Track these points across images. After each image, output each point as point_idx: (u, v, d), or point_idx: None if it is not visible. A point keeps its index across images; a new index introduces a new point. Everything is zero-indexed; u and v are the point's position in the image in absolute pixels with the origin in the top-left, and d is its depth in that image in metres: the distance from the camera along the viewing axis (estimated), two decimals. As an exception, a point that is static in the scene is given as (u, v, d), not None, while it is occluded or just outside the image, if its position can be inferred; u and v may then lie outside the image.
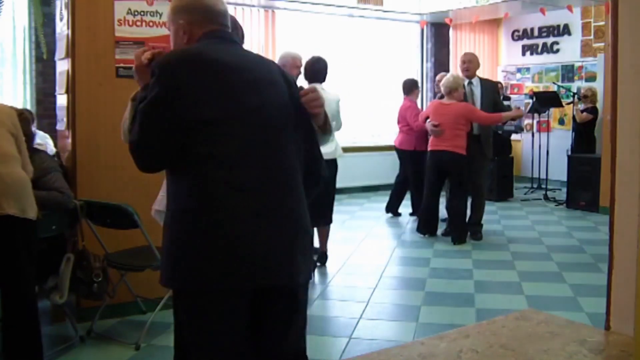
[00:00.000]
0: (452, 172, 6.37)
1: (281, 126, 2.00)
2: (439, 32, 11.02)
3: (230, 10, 10.16)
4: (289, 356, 2.11)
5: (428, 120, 6.45)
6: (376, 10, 9.83)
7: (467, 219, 6.49)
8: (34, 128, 3.99)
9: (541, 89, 10.48)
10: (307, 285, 2.14)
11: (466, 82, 6.53)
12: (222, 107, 1.91)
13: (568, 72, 10.60)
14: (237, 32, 2.55)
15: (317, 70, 5.20)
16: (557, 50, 10.80)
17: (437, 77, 6.69)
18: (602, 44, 9.41)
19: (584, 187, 8.22)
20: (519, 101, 10.76)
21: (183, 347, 2.09)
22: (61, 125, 4.29)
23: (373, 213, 8.19)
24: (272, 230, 1.92)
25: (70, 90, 4.02)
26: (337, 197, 8.93)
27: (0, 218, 2.90)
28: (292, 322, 2.08)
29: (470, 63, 6.63)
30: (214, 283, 1.87)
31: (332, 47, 10.00)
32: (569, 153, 8.86)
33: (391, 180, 8.17)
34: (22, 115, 3.36)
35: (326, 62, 5.18)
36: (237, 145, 1.90)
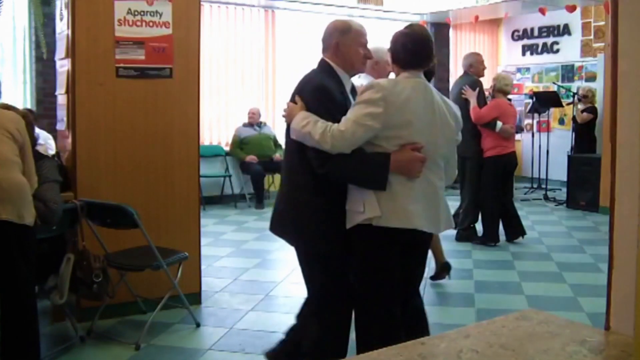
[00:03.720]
0: (513, 171, 6.45)
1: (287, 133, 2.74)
2: (439, 32, 11.01)
3: (231, 10, 10.16)
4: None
5: (500, 122, 6.06)
6: (376, 10, 9.83)
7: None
8: (36, 129, 3.94)
9: (541, 89, 10.48)
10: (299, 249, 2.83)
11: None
12: None
13: (568, 72, 10.60)
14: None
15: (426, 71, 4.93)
16: (557, 50, 10.80)
17: (494, 77, 6.52)
18: (602, 44, 9.41)
19: (584, 187, 8.22)
20: (519, 101, 10.75)
21: None
22: (61, 125, 4.29)
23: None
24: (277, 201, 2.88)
25: (71, 90, 4.02)
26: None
27: None
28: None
29: None
30: None
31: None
32: (570, 153, 8.86)
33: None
34: (27, 119, 3.29)
35: (435, 63, 4.92)
36: None
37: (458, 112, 2.83)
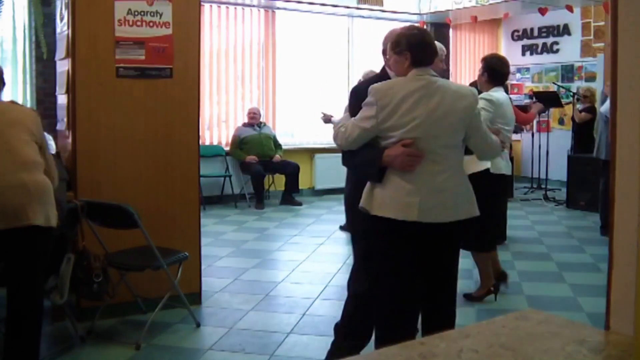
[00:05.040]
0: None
1: None
2: (438, 32, 11.00)
3: (231, 10, 10.15)
4: None
5: None
6: (376, 10, 9.83)
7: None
8: None
9: (541, 89, 10.48)
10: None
11: None
12: None
13: (568, 72, 10.60)
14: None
15: (505, 73, 4.68)
16: (557, 51, 10.80)
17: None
18: (602, 44, 9.42)
19: (584, 187, 8.22)
20: (519, 101, 10.75)
21: None
22: (61, 125, 4.30)
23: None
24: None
25: (71, 90, 4.02)
26: (333, 197, 8.94)
27: (25, 228, 2.87)
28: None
29: None
30: None
31: (332, 47, 10.00)
32: (570, 153, 8.86)
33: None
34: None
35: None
36: None
37: (470, 92, 2.81)
